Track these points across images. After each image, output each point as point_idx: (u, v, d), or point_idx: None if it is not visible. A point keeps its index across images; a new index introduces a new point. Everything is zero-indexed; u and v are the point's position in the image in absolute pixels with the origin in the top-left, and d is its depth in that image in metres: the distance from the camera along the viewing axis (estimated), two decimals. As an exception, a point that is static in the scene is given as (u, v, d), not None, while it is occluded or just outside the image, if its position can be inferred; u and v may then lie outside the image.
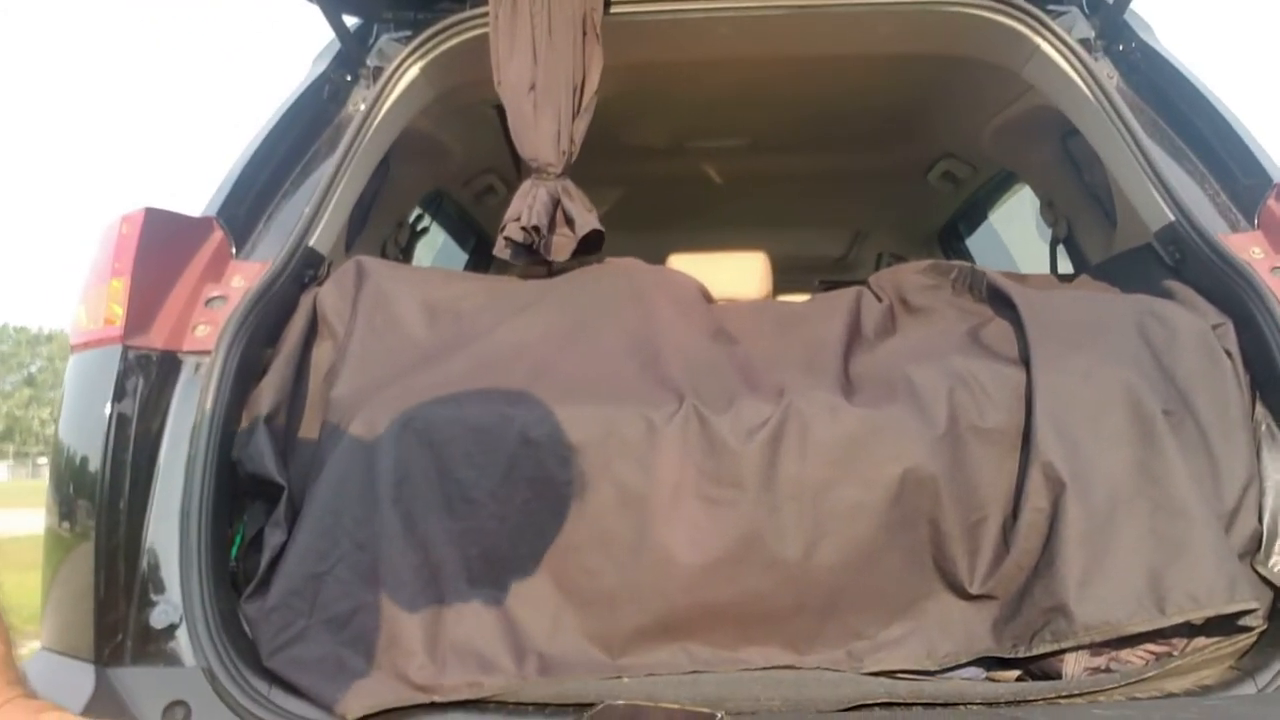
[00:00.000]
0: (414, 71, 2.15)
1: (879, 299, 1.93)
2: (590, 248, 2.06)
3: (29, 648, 1.41)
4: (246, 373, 1.58)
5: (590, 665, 1.38)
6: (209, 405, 1.49)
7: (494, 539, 1.44)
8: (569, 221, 2.04)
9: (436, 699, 1.33)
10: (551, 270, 2.07)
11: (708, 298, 2.02)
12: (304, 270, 1.82)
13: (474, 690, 1.33)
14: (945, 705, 1.28)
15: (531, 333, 1.73)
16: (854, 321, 1.83)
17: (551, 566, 1.43)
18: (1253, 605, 1.30)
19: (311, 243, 1.84)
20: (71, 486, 1.47)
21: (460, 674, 1.35)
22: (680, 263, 2.61)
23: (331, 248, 1.95)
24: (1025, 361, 1.49)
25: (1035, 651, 1.33)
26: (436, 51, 2.17)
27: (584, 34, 2.03)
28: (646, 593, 1.40)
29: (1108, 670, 1.34)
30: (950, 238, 4.11)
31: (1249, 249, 1.63)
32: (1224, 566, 1.31)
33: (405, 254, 2.93)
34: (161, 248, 1.60)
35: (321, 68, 2.10)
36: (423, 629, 1.38)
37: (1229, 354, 1.52)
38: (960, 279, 1.87)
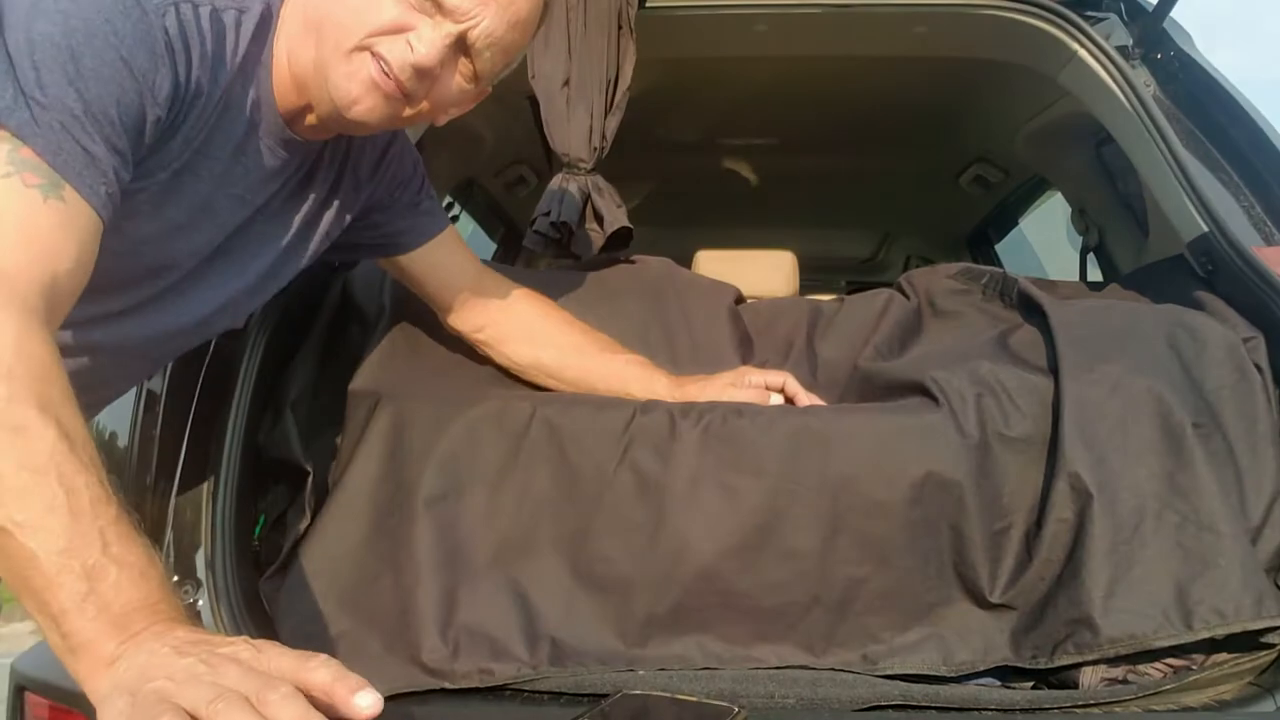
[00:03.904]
0: None
1: (907, 297, 1.92)
2: (619, 244, 2.07)
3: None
4: (274, 355, 1.60)
5: (603, 653, 1.38)
6: (237, 386, 1.51)
7: (511, 523, 1.44)
8: (598, 218, 2.05)
9: (447, 685, 1.33)
10: (581, 263, 2.07)
11: (740, 300, 2.02)
12: (334, 255, 1.83)
13: (484, 679, 1.33)
14: (960, 710, 1.27)
15: None
16: (883, 323, 1.82)
17: (567, 552, 1.44)
18: (1278, 622, 1.29)
19: None
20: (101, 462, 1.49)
21: (472, 660, 1.35)
22: (707, 260, 2.61)
23: (362, 234, 1.96)
24: (1054, 370, 1.48)
25: (1057, 663, 1.31)
26: None
27: (618, 29, 2.04)
28: (662, 579, 1.40)
29: (1124, 682, 1.32)
30: (979, 242, 4.09)
31: (1283, 263, 1.61)
32: (1251, 582, 1.29)
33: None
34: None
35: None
36: (436, 612, 1.38)
37: (1259, 368, 1.50)
38: (991, 284, 1.87)
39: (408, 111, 1.22)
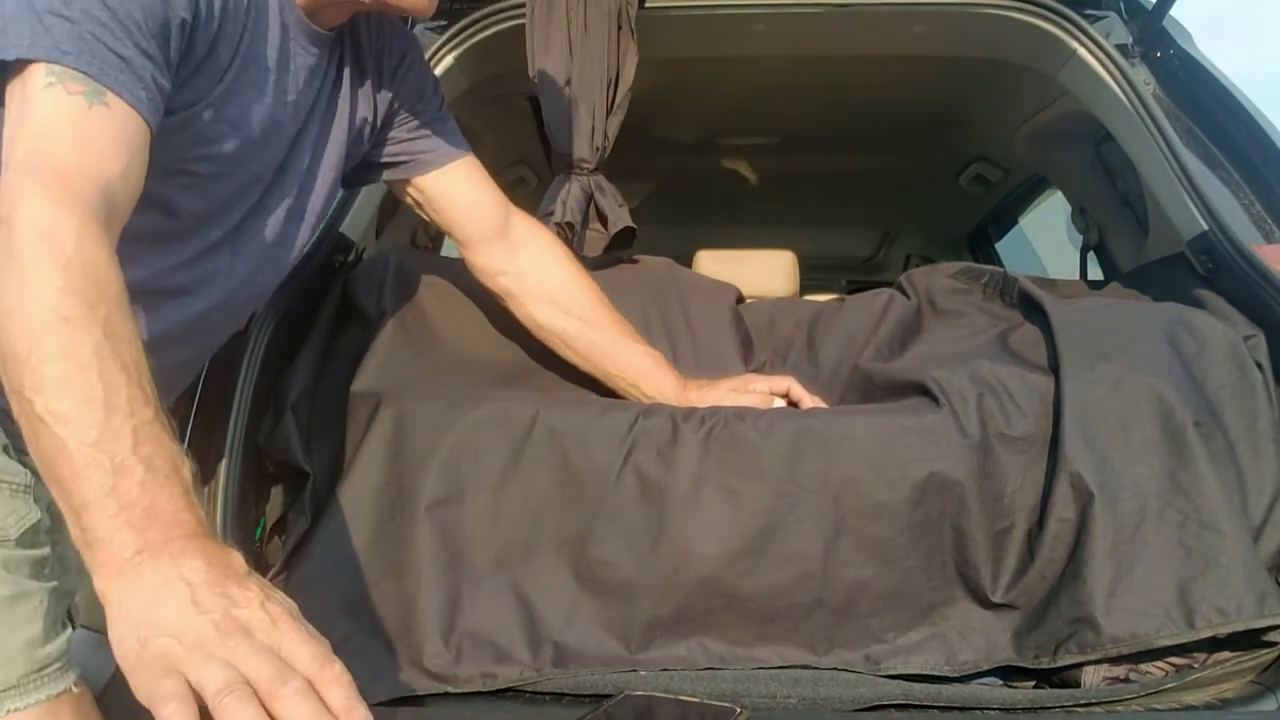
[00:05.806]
0: (448, 60, 2.16)
1: (908, 297, 1.92)
2: (622, 244, 2.07)
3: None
4: (275, 356, 1.59)
5: (606, 657, 1.38)
6: (238, 388, 1.50)
7: (513, 527, 1.44)
8: (601, 218, 2.05)
9: (450, 689, 1.33)
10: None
11: (740, 300, 2.02)
12: (334, 255, 1.83)
13: (487, 682, 1.33)
14: (962, 709, 1.27)
15: None
16: (883, 323, 1.82)
17: (570, 556, 1.43)
18: None
19: (342, 228, 1.85)
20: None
21: (475, 664, 1.35)
22: (708, 259, 2.62)
23: (362, 234, 1.96)
24: (1054, 369, 1.48)
25: (1060, 663, 1.31)
26: (471, 41, 2.18)
27: (619, 29, 2.04)
28: (664, 583, 1.39)
29: (1126, 680, 1.33)
30: (980, 241, 4.09)
31: (1283, 260, 1.61)
32: (1253, 580, 1.29)
33: (435, 243, 2.95)
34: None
35: (356, 55, 2.11)
36: (439, 616, 1.38)
37: (1259, 366, 1.50)
38: (991, 284, 1.87)
39: None
